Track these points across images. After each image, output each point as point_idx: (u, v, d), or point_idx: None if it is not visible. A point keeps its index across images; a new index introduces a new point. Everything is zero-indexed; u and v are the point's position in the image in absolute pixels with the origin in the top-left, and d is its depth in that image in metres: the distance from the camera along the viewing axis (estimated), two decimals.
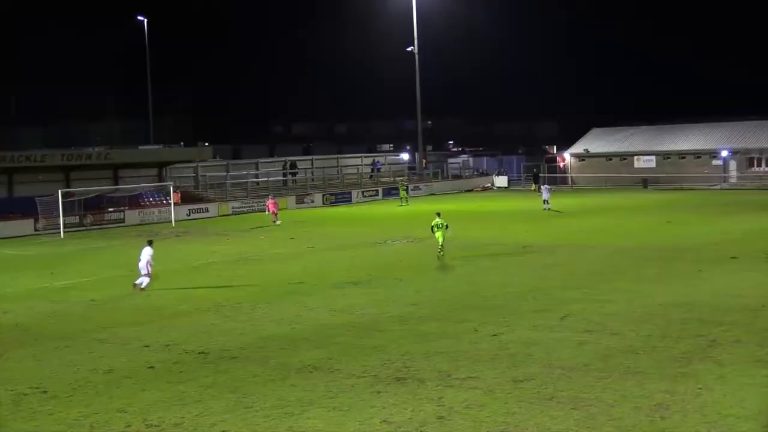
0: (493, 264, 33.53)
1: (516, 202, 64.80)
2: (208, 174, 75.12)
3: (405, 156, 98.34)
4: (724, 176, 78.48)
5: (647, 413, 14.46)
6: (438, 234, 35.30)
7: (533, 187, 78.83)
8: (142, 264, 29.68)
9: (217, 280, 31.93)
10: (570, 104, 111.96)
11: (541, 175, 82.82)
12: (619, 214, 53.00)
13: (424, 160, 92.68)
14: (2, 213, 54.20)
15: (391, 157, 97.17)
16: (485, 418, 14.50)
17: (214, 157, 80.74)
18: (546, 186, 57.81)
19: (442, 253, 35.05)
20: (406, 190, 71.96)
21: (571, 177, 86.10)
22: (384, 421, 14.58)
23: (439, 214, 36.45)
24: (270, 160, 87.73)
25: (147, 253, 29.80)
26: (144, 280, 29.67)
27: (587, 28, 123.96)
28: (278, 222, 53.36)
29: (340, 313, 24.24)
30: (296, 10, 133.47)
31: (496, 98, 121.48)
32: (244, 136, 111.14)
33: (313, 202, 70.93)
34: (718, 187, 76.08)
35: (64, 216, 52.11)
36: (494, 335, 20.56)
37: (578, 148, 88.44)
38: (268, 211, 55.59)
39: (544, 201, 55.89)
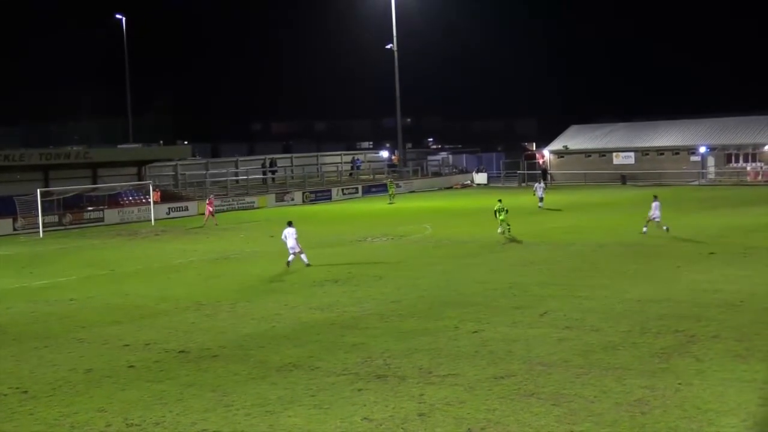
0: (472, 261, 33.59)
1: (494, 199, 64.75)
2: (187, 173, 74.97)
3: (385, 154, 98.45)
4: (702, 172, 79.07)
5: (627, 409, 14.54)
6: (501, 217, 40.44)
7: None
8: (292, 243, 32.50)
9: (196, 278, 31.86)
10: (549, 101, 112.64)
11: (526, 172, 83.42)
12: (597, 211, 53.26)
13: (394, 158, 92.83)
14: None
15: (370, 155, 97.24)
16: (466, 415, 14.55)
17: (194, 156, 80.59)
18: (540, 185, 58.10)
19: (508, 228, 40.08)
20: (395, 187, 72.07)
21: (550, 174, 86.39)
22: (365, 418, 14.60)
23: (500, 201, 42.13)
24: (250, 158, 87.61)
25: (292, 232, 32.70)
26: (301, 256, 32.71)
27: (566, 26, 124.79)
28: (206, 224, 52.48)
29: (321, 310, 24.25)
30: (276, 8, 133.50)
31: (475, 96, 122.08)
32: (223, 134, 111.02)
33: (293, 200, 70.90)
34: (696, 183, 76.62)
35: (43, 215, 51.85)
36: (474, 332, 20.62)
37: (557, 144, 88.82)
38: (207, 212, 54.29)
39: (540, 199, 55.95)
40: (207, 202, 55.94)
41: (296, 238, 32.83)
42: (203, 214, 55.89)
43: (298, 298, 26.35)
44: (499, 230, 40.63)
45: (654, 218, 39.23)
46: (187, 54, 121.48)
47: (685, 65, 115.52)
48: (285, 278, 30.62)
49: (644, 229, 39.31)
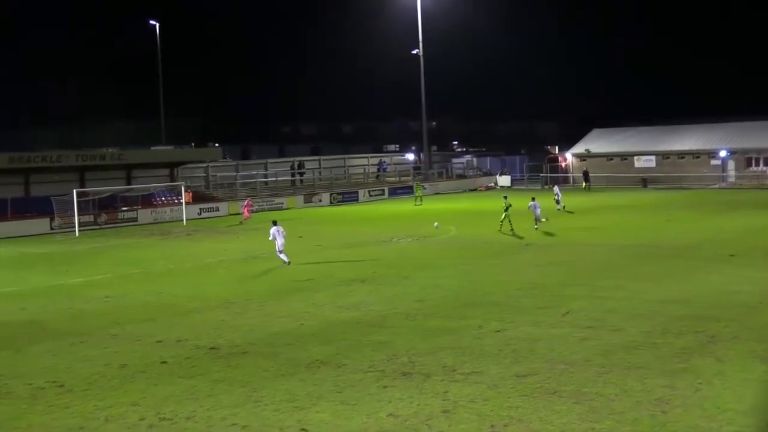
0: (495, 261, 33.88)
1: (518, 201, 64.87)
2: (218, 174, 75.72)
3: (410, 156, 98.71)
4: (723, 176, 78.89)
5: (648, 407, 14.70)
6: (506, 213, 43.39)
7: (584, 185, 79.31)
8: (282, 241, 33.80)
9: (227, 277, 32.35)
10: (571, 105, 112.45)
11: (547, 175, 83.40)
12: (619, 213, 53.30)
13: (418, 159, 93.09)
14: (19, 212, 54.96)
15: (396, 158, 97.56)
16: (489, 412, 14.76)
17: (224, 158, 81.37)
18: (557, 186, 58.17)
19: (509, 223, 42.98)
20: (422, 189, 72.34)
21: (573, 177, 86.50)
22: (390, 414, 14.86)
23: (506, 197, 45.45)
24: (279, 160, 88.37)
25: (282, 231, 34.05)
26: (281, 254, 33.81)
27: (588, 30, 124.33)
28: (245, 222, 54.08)
29: (348, 309, 24.60)
30: (304, 12, 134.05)
31: (498, 100, 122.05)
32: (253, 137, 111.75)
33: (320, 201, 71.33)
34: (717, 186, 76.44)
35: (79, 215, 52.71)
36: (498, 331, 20.88)
37: (580, 148, 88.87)
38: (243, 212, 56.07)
39: (557, 201, 56.03)
40: (245, 203, 56.82)
41: (284, 236, 34.05)
42: (239, 214, 56.99)
43: (325, 297, 26.73)
44: (503, 227, 42.90)
45: (538, 216, 44.16)
46: (216, 57, 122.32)
47: (706, 69, 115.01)
48: (312, 277, 30.98)
49: (536, 226, 43.78)
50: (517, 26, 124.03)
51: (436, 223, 45.82)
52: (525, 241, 39.54)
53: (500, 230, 42.99)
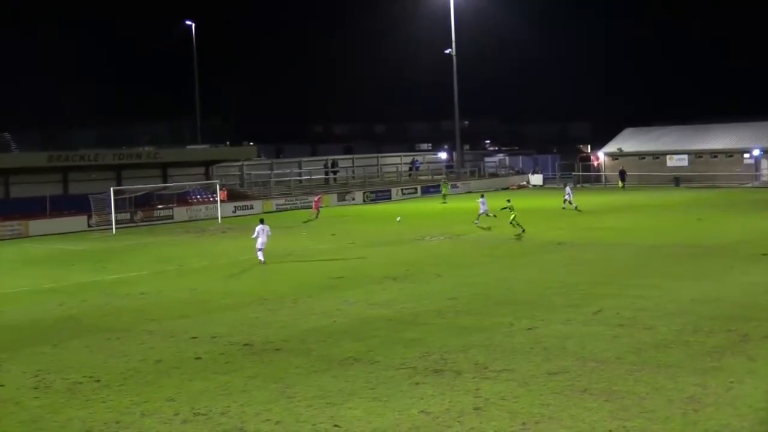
0: (527, 260, 33.91)
1: (550, 199, 64.74)
2: (252, 172, 76.18)
3: (443, 155, 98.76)
4: (756, 174, 78.21)
5: (679, 405, 14.71)
6: (511, 216, 43.03)
7: (620, 184, 79.11)
8: (264, 239, 34.44)
9: (260, 274, 32.62)
10: (604, 105, 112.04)
11: (573, 174, 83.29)
12: (651, 212, 53.00)
13: (450, 158, 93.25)
14: (58, 210, 55.82)
15: (429, 156, 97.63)
16: (521, 410, 14.83)
17: (259, 156, 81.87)
18: (568, 187, 58.12)
19: (518, 224, 42.67)
20: (449, 187, 72.43)
21: (605, 175, 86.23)
22: (422, 411, 14.95)
23: (509, 200, 45.16)
24: (312, 159, 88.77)
25: (267, 229, 34.68)
26: (259, 253, 34.50)
27: (622, 29, 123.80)
28: (317, 217, 55.18)
29: (380, 306, 24.75)
30: (336, 12, 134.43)
31: (530, 99, 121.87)
32: (287, 136, 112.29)
33: (354, 199, 71.56)
34: (749, 185, 75.84)
35: (115, 213, 53.36)
36: (529, 329, 20.95)
37: (612, 147, 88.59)
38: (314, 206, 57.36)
39: (565, 200, 55.86)
40: (316, 199, 58.68)
41: (268, 236, 34.77)
42: (312, 208, 58.67)
43: (357, 295, 26.90)
44: (513, 226, 42.89)
45: (483, 212, 46.78)
46: (250, 57, 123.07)
47: (740, 67, 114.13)
48: (345, 275, 31.17)
49: (476, 221, 46.17)
50: (550, 26, 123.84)
51: (398, 218, 46.18)
52: (558, 239, 39.43)
53: (515, 230, 42.63)
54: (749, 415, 14.18)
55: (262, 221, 35.85)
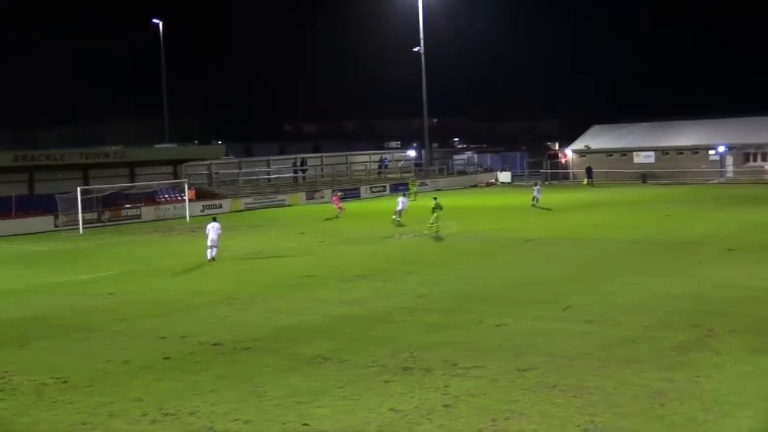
0: (496, 257, 34.05)
1: (519, 197, 65.17)
2: (221, 171, 75.95)
3: (412, 153, 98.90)
4: (721, 171, 79.14)
5: (646, 401, 14.85)
6: (435, 214, 42.81)
7: (586, 181, 79.46)
8: (214, 236, 35.01)
9: (230, 273, 32.48)
10: (572, 103, 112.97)
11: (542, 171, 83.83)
12: (619, 209, 53.39)
13: (419, 156, 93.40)
14: (24, 210, 55.18)
15: (398, 154, 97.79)
16: (490, 406, 14.90)
17: (227, 155, 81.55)
18: (537, 186, 58.47)
19: (437, 225, 42.34)
20: (417, 185, 72.57)
21: (573, 173, 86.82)
22: (392, 409, 14.98)
23: (436, 198, 45.28)
24: (281, 157, 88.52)
25: (217, 227, 35.29)
26: (210, 251, 35.04)
27: (588, 28, 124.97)
28: (339, 215, 55.02)
29: (350, 305, 24.76)
30: (306, 10, 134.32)
31: (499, 97, 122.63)
32: (256, 135, 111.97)
33: (322, 197, 71.47)
34: (715, 181, 76.73)
35: (83, 212, 52.91)
36: (498, 326, 21.05)
37: (579, 144, 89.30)
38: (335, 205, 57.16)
39: (534, 198, 56.11)
40: (334, 197, 58.52)
41: (219, 234, 35.31)
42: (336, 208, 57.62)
43: (327, 293, 26.91)
44: (429, 224, 42.86)
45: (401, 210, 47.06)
46: (219, 56, 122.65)
47: (705, 65, 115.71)
48: (315, 273, 31.14)
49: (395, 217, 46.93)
50: (519, 24, 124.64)
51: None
52: (527, 236, 39.64)
53: (430, 229, 42.71)
54: (715, 409, 14.36)
55: (214, 219, 36.30)
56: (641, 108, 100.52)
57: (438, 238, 40.42)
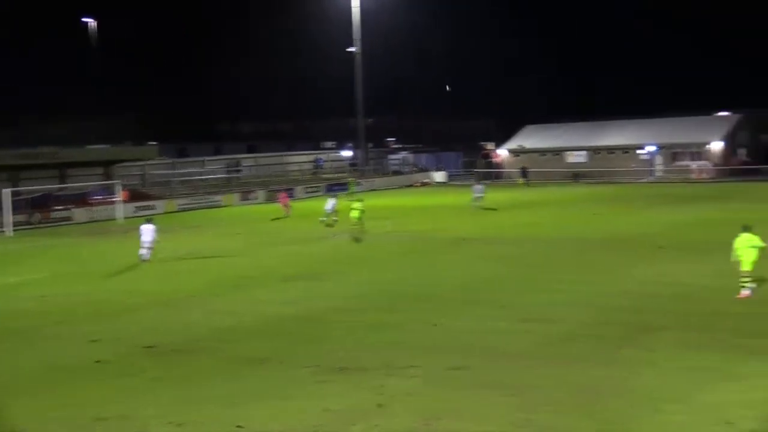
0: (433, 256, 34.16)
1: (454, 196, 65.62)
2: (155, 172, 75.16)
3: (347, 153, 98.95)
4: (650, 170, 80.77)
5: (582, 397, 14.97)
6: (356, 215, 42.57)
7: (521, 181, 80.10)
8: (148, 238, 34.61)
9: (165, 274, 32.10)
10: (506, 103, 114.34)
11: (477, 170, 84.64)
12: (553, 208, 53.94)
13: (355, 156, 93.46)
14: None
15: (333, 155, 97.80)
16: (424, 406, 14.88)
17: (161, 156, 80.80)
18: (479, 185, 58.96)
19: (360, 227, 41.65)
20: (355, 186, 72.63)
21: (507, 172, 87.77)
22: (326, 409, 14.88)
23: (361, 200, 45.01)
24: (216, 158, 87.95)
25: (152, 229, 34.84)
26: (144, 251, 34.53)
27: (524, 27, 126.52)
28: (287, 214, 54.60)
29: (287, 305, 24.61)
30: (241, 10, 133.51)
31: (435, 97, 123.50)
32: (191, 135, 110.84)
33: (257, 198, 71.17)
34: (645, 180, 78.24)
35: (12, 214, 51.83)
36: (434, 325, 21.07)
37: (513, 144, 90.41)
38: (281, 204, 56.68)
39: (476, 198, 56.33)
40: (280, 196, 58.06)
41: (154, 235, 34.97)
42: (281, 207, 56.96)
43: (264, 294, 26.76)
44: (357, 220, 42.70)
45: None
46: (154, 56, 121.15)
47: (634, 66, 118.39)
48: (252, 274, 30.96)
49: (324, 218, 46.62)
50: (454, 24, 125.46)
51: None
52: (464, 236, 39.86)
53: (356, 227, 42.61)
54: (647, 404, 14.55)
55: (148, 221, 35.91)
56: (573, 108, 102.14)
57: (358, 240, 39.98)
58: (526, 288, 25.83)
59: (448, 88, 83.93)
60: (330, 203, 47.37)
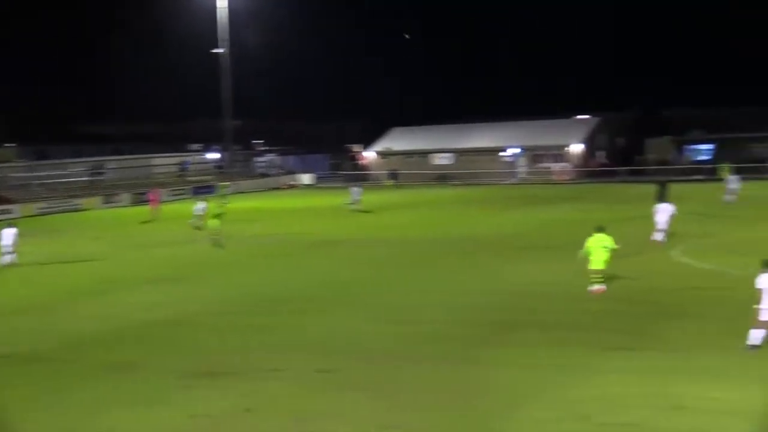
0: (301, 259, 34.08)
1: (321, 198, 65.82)
2: (12, 175, 72.61)
3: (213, 155, 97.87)
4: (514, 172, 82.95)
5: (451, 397, 15.16)
6: (216, 222, 39.63)
7: (389, 183, 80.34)
8: (8, 242, 33.56)
9: (27, 280, 31.04)
10: (373, 105, 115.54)
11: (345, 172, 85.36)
12: (420, 209, 54.66)
13: (222, 158, 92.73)
14: None
15: (199, 157, 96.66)
16: (293, 409, 14.86)
17: (18, 159, 78.15)
18: (356, 187, 59.25)
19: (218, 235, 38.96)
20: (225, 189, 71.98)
21: (374, 174, 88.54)
22: (191, 415, 14.71)
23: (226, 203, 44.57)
24: (77, 160, 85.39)
25: (12, 232, 33.79)
26: (7, 257, 33.41)
27: (386, 35, 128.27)
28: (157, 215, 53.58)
29: (152, 309, 24.14)
30: (104, 9, 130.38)
31: (303, 99, 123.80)
32: (51, 137, 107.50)
33: (121, 201, 69.65)
34: (509, 182, 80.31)
35: None
36: (303, 328, 21.06)
37: (380, 146, 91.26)
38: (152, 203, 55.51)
39: (353, 201, 56.51)
40: (150, 196, 56.40)
41: (15, 240, 33.94)
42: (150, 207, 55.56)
43: (130, 298, 26.19)
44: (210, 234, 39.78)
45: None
46: (13, 56, 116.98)
47: (499, 69, 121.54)
48: (119, 278, 30.28)
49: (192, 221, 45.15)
50: (321, 28, 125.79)
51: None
52: (335, 237, 39.93)
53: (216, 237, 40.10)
54: (510, 402, 14.86)
55: (10, 225, 34.81)
56: (439, 111, 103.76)
57: (221, 246, 38.29)
58: (394, 289, 26.02)
59: (407, 36, 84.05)
60: (200, 206, 46.70)
